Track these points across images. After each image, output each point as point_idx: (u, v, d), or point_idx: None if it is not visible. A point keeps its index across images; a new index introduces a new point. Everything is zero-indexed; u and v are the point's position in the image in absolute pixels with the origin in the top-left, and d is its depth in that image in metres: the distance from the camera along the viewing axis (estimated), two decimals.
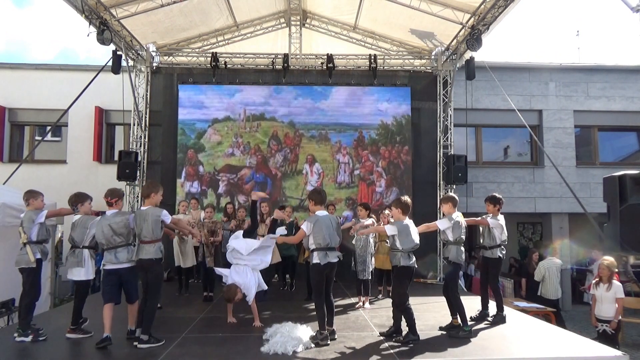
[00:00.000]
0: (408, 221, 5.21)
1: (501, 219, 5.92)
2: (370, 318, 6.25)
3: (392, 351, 4.67)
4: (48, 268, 8.22)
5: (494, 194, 6.16)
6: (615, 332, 6.34)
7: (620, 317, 6.44)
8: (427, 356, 4.54)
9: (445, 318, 6.22)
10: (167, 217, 5.03)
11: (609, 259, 6.41)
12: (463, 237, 5.46)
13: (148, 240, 4.87)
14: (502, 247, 5.90)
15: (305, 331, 5.11)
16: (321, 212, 5.11)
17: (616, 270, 6.50)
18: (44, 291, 8.07)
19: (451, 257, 5.42)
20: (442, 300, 7.46)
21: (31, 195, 5.48)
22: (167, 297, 7.08)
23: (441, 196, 10.60)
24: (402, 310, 5.06)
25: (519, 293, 10.37)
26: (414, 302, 7.31)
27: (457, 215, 5.49)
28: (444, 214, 5.74)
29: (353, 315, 6.47)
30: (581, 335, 5.35)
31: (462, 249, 5.48)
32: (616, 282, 6.39)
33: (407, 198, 5.41)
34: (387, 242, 7.29)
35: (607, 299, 6.36)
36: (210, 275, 7.42)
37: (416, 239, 5.14)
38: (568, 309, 10.08)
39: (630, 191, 4.46)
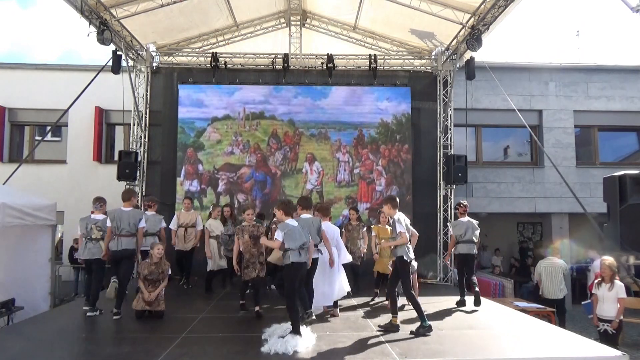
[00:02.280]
0: (293, 222, 5.43)
1: (395, 218, 5.74)
2: (370, 318, 6.25)
3: (392, 351, 4.67)
4: (48, 268, 8.22)
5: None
6: (616, 332, 6.34)
7: (621, 317, 6.44)
8: (427, 356, 4.54)
9: (446, 318, 6.24)
10: (142, 223, 6.45)
11: (609, 259, 6.41)
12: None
13: (129, 235, 6.23)
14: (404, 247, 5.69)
15: (305, 331, 5.10)
16: (305, 215, 5.84)
17: (616, 269, 6.50)
18: (44, 291, 8.11)
19: (405, 256, 5.55)
20: (442, 300, 7.53)
21: (104, 202, 6.82)
22: (167, 297, 7.05)
23: (441, 196, 10.63)
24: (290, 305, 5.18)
25: (518, 293, 10.38)
26: None
27: (402, 215, 5.73)
28: (390, 217, 5.81)
29: (353, 315, 6.46)
30: (581, 335, 5.34)
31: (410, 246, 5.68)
32: (618, 282, 6.39)
33: (287, 200, 6.28)
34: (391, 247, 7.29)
35: (609, 299, 6.36)
36: (259, 288, 6.53)
37: (303, 237, 5.31)
38: (568, 309, 10.06)
39: (630, 191, 4.46)
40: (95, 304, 6.36)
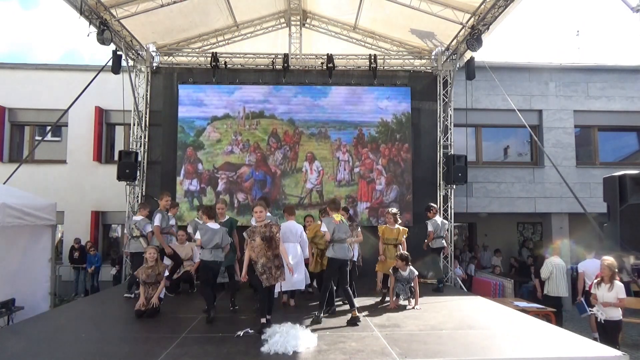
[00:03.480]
0: (214, 225, 6.20)
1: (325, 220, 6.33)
2: (370, 318, 6.25)
3: (392, 351, 4.67)
4: (48, 268, 8.22)
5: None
6: (616, 331, 6.34)
7: (621, 317, 6.44)
8: (427, 356, 4.54)
9: (446, 318, 6.24)
10: (149, 227, 7.51)
11: (609, 259, 6.40)
12: (342, 235, 6.09)
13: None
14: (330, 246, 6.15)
15: (305, 331, 5.11)
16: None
17: (616, 270, 6.49)
18: (44, 291, 8.10)
19: (329, 254, 6.11)
20: (442, 301, 7.54)
21: (143, 206, 7.99)
22: (167, 298, 7.06)
23: (441, 196, 10.64)
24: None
25: (518, 293, 10.37)
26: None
27: (338, 216, 6.19)
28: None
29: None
30: (581, 335, 5.34)
31: (344, 245, 6.08)
32: (618, 282, 6.38)
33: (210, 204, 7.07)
34: (394, 246, 7.30)
35: (609, 299, 6.36)
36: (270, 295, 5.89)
37: (217, 239, 6.06)
38: (568, 309, 10.08)
39: (630, 191, 4.47)
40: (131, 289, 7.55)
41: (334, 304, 6.56)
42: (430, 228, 8.42)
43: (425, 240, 8.52)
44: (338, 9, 10.71)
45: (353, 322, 5.78)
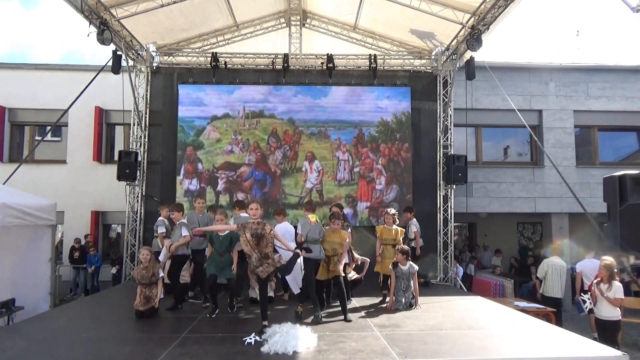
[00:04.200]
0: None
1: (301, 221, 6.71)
2: (370, 318, 6.26)
3: (392, 351, 4.67)
4: (48, 268, 8.22)
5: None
6: (614, 331, 6.35)
7: (620, 317, 6.44)
8: (427, 356, 4.54)
9: (446, 318, 6.25)
10: (160, 229, 7.41)
11: (608, 259, 6.40)
12: (316, 236, 6.34)
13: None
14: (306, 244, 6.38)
15: (305, 331, 5.11)
16: (243, 214, 6.69)
17: (616, 270, 6.49)
18: (44, 291, 8.10)
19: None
20: (442, 301, 7.55)
21: (164, 207, 8.00)
22: (167, 298, 7.06)
23: (441, 196, 10.64)
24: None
25: (518, 293, 10.37)
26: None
27: (314, 217, 6.52)
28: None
29: (353, 315, 6.45)
30: (581, 335, 5.34)
31: (318, 246, 6.31)
32: (616, 283, 6.39)
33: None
34: (392, 247, 7.29)
35: (607, 299, 6.36)
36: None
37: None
38: (568, 309, 10.08)
39: (630, 191, 4.47)
40: None
41: (350, 297, 7.19)
42: (415, 228, 8.85)
43: (413, 245, 8.68)
44: (338, 9, 10.71)
45: (296, 314, 6.25)
